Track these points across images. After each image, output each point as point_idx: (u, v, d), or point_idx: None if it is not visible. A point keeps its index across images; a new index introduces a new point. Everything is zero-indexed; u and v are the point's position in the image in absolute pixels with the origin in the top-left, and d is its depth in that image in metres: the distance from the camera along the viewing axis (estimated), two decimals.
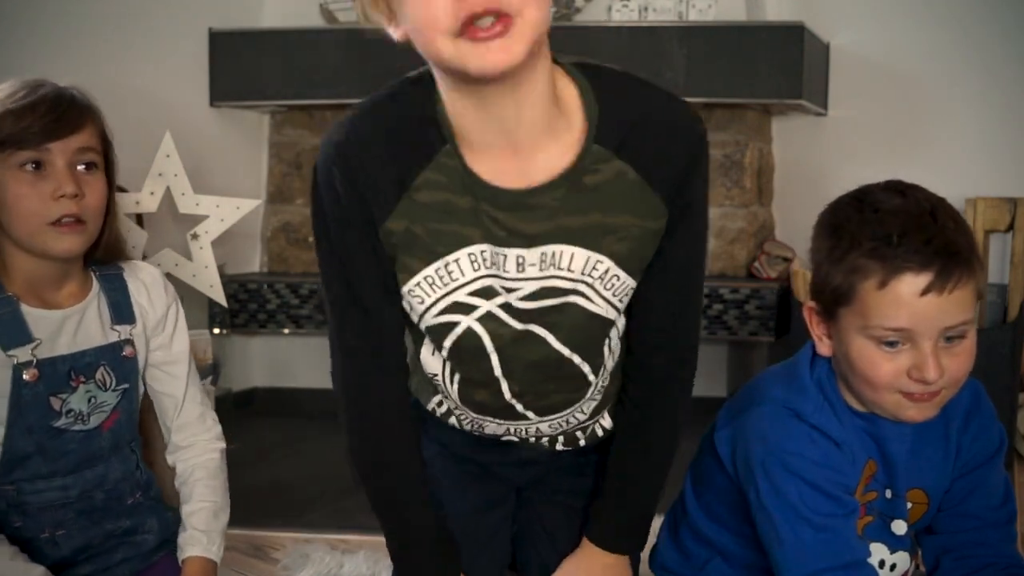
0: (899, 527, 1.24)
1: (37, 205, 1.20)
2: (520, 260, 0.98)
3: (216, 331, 3.04)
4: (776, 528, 1.17)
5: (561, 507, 1.27)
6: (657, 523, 1.44)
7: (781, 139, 3.26)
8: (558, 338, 1.04)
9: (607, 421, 1.20)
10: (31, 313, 1.24)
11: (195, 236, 2.26)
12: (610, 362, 1.13)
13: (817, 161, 3.18)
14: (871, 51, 3.13)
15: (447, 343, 1.04)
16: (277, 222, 3.33)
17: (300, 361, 3.32)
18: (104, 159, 1.27)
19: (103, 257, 1.33)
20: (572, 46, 3.07)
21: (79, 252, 1.26)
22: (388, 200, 0.98)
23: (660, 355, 1.12)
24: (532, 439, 1.17)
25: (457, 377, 1.08)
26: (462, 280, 0.99)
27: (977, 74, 3.05)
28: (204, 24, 3.06)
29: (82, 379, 1.27)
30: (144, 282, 1.35)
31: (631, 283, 1.03)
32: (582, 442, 1.20)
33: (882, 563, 1.24)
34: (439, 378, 1.11)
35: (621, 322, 1.10)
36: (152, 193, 2.20)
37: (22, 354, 1.22)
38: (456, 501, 1.23)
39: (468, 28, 0.83)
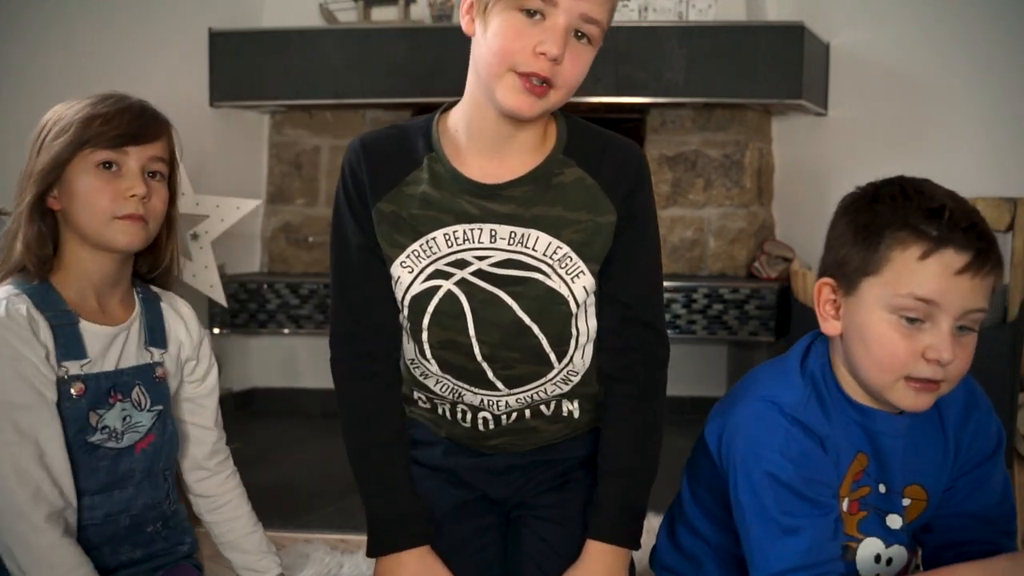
0: (894, 521, 1.24)
1: (108, 201, 1.29)
2: (493, 233, 1.24)
3: (216, 331, 3.05)
4: (747, 526, 1.18)
5: (549, 521, 1.36)
6: (656, 522, 1.44)
7: (781, 139, 3.26)
8: (520, 305, 1.26)
9: (574, 407, 1.35)
10: (87, 329, 1.30)
11: (195, 236, 2.26)
12: (577, 356, 1.30)
13: (817, 161, 3.18)
14: (871, 51, 3.13)
15: (430, 307, 1.26)
16: (277, 222, 3.34)
17: (300, 361, 3.33)
18: (169, 172, 1.37)
19: (154, 268, 1.41)
20: None
21: (139, 247, 1.33)
22: (384, 187, 1.27)
23: (635, 329, 1.31)
24: (503, 415, 1.33)
25: (436, 352, 1.29)
26: (440, 253, 1.25)
27: (977, 74, 3.05)
28: (204, 24, 3.06)
29: (119, 396, 1.32)
30: (180, 314, 1.43)
31: (585, 269, 1.26)
32: (546, 412, 1.34)
33: (878, 557, 1.24)
34: (416, 362, 1.32)
35: (586, 325, 1.30)
36: None
37: (72, 368, 1.28)
38: (449, 522, 1.35)
39: (526, 75, 1.15)
